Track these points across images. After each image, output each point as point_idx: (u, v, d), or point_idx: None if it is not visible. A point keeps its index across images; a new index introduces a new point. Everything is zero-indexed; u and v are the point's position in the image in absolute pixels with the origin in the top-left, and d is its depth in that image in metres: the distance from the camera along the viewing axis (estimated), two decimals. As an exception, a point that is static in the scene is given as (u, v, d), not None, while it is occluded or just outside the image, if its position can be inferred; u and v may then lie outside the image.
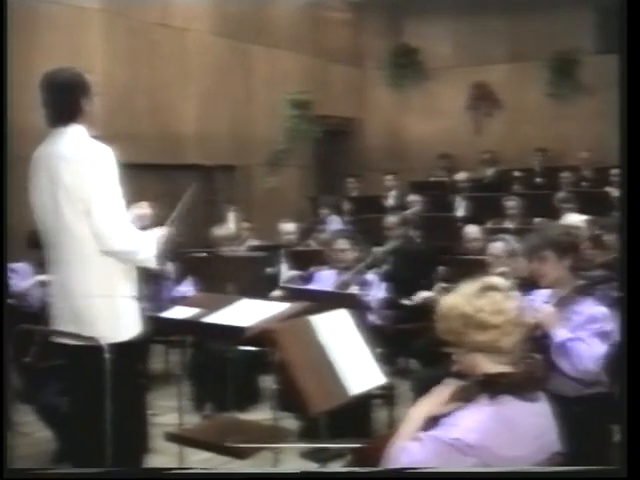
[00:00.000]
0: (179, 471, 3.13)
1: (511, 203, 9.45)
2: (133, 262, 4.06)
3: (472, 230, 7.84)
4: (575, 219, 7.25)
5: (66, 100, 3.94)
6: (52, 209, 3.96)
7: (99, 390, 3.88)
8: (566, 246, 4.26)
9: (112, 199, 3.88)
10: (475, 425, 2.70)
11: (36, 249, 6.57)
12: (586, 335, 3.95)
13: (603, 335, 3.93)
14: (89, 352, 3.93)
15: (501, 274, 5.12)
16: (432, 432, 2.77)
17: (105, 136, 4.08)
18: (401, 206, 10.70)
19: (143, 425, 4.53)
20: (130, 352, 4.07)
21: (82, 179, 3.84)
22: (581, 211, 8.80)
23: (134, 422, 4.28)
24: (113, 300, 4.01)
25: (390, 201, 11.72)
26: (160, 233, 4.12)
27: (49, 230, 4.04)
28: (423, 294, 6.12)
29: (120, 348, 3.95)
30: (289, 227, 8.76)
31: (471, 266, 5.94)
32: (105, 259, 3.95)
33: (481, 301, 2.83)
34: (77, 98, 3.94)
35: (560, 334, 3.93)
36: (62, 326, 4.08)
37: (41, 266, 6.50)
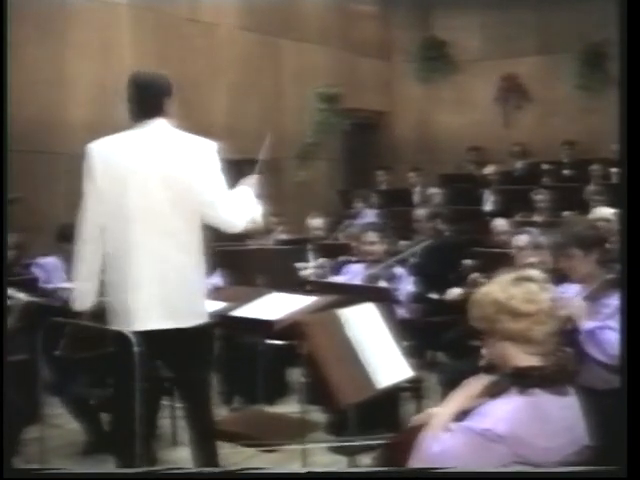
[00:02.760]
0: (180, 470, 3.12)
1: (540, 196, 9.40)
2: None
3: (500, 223, 7.82)
4: (605, 212, 7.20)
5: (152, 98, 4.15)
6: (134, 199, 4.03)
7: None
8: (592, 241, 4.25)
9: (223, 186, 4.11)
10: (506, 415, 2.71)
11: (66, 243, 6.66)
12: (615, 323, 3.93)
13: None
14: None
15: (528, 266, 5.10)
16: (463, 423, 2.79)
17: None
18: (426, 200, 10.69)
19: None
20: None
21: (193, 170, 4.04)
22: (611, 204, 8.74)
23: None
24: (196, 286, 4.16)
25: (416, 197, 11.69)
26: (251, 182, 4.43)
27: (122, 221, 4.08)
28: (454, 291, 6.04)
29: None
30: (317, 222, 8.77)
31: (499, 259, 5.91)
32: (193, 247, 4.12)
33: (515, 289, 2.85)
34: (161, 97, 4.17)
35: (589, 323, 3.92)
36: (144, 319, 4.09)
37: (71, 260, 6.57)
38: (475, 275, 5.76)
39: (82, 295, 4.27)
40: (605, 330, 3.91)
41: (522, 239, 5.76)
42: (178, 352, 4.16)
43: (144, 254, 4.05)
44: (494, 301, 2.85)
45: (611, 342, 3.88)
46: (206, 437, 4.28)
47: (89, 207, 4.15)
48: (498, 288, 2.88)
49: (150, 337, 4.04)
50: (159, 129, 4.12)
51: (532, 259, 5.48)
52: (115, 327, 4.10)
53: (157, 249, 4.04)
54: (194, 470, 3.80)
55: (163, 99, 4.17)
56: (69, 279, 6.37)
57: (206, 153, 4.10)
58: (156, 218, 4.03)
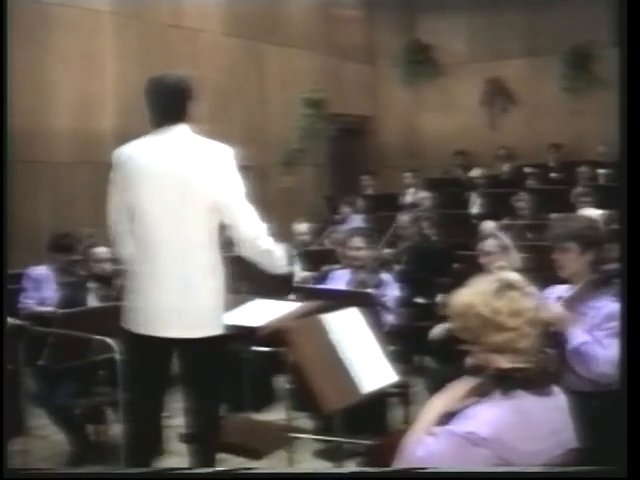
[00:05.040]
0: (179, 471, 3.11)
1: (521, 202, 9.37)
2: (269, 265, 4.21)
3: (489, 226, 7.81)
4: (592, 213, 7.19)
5: (174, 102, 4.10)
6: (153, 206, 4.01)
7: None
8: (590, 241, 4.20)
9: (241, 191, 4.10)
10: (489, 418, 2.69)
11: (59, 253, 6.64)
12: (603, 335, 3.90)
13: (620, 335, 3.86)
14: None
15: (498, 269, 5.07)
16: (447, 426, 2.77)
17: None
18: (417, 204, 10.67)
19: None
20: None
21: (212, 175, 4.01)
22: (598, 205, 8.75)
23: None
24: (215, 296, 4.12)
25: (408, 198, 11.68)
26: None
27: (143, 227, 4.06)
28: (438, 329, 5.87)
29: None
30: (303, 227, 8.76)
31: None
32: (213, 256, 4.09)
33: (499, 302, 2.79)
34: (184, 101, 4.11)
35: (575, 334, 3.89)
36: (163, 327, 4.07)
37: (63, 270, 6.55)
38: (444, 297, 5.63)
39: None
40: (591, 345, 3.88)
41: (489, 243, 5.69)
42: (192, 361, 4.15)
43: (165, 261, 4.03)
44: (478, 315, 2.80)
45: (597, 359, 3.86)
46: (208, 446, 4.30)
47: (111, 213, 4.16)
48: (481, 301, 2.82)
49: (165, 342, 4.05)
50: (180, 135, 4.08)
51: (501, 262, 5.44)
52: (132, 330, 4.09)
53: (178, 256, 4.02)
54: (190, 470, 3.79)
55: (186, 103, 4.12)
56: (59, 289, 6.36)
57: (223, 158, 4.08)
58: (177, 225, 4.01)
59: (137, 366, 4.15)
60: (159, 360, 4.11)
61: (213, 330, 4.08)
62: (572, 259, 4.20)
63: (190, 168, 4.00)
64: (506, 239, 5.70)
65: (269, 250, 4.14)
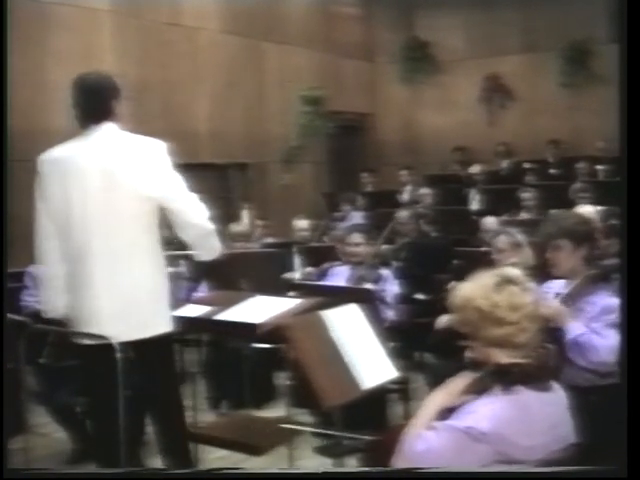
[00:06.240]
0: (177, 471, 3.12)
1: (527, 194, 9.37)
2: (206, 249, 4.22)
3: (490, 221, 7.81)
4: (587, 210, 7.18)
5: (97, 101, 4.04)
6: (85, 209, 3.95)
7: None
8: (582, 236, 4.21)
9: (181, 183, 4.04)
10: (489, 413, 2.71)
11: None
12: (600, 326, 3.92)
13: (618, 326, 3.88)
14: (105, 351, 3.96)
15: (510, 266, 5.07)
16: (447, 421, 2.79)
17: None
18: (416, 200, 10.67)
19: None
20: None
21: (145, 171, 3.95)
22: (597, 201, 8.74)
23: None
24: (161, 295, 4.11)
25: (404, 196, 11.69)
26: None
27: (83, 228, 4.00)
28: (443, 319, 5.89)
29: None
30: (303, 224, 8.75)
31: (486, 258, 5.89)
32: (152, 254, 4.05)
33: (498, 296, 2.83)
34: (108, 100, 4.05)
35: (573, 328, 3.90)
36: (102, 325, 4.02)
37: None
38: (453, 284, 5.64)
39: (52, 306, 4.22)
40: (590, 335, 3.89)
41: (501, 240, 5.69)
42: (138, 362, 4.10)
43: (96, 263, 3.98)
44: (477, 309, 2.84)
45: (596, 348, 3.87)
46: (176, 449, 4.26)
47: (41, 222, 4.08)
48: (480, 295, 2.85)
49: (108, 345, 3.99)
50: (107, 134, 4.01)
51: (513, 259, 5.44)
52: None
53: (110, 258, 3.96)
54: (188, 470, 3.79)
55: (110, 102, 4.05)
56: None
57: (156, 153, 4.02)
58: (110, 227, 3.95)
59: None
60: (103, 363, 4.03)
61: (156, 329, 4.04)
62: (566, 256, 4.20)
63: (119, 166, 3.93)
64: (519, 236, 5.68)
65: (212, 232, 4.15)
